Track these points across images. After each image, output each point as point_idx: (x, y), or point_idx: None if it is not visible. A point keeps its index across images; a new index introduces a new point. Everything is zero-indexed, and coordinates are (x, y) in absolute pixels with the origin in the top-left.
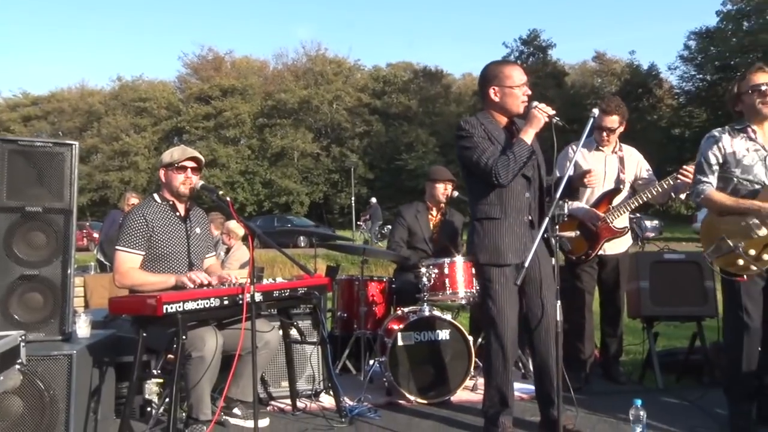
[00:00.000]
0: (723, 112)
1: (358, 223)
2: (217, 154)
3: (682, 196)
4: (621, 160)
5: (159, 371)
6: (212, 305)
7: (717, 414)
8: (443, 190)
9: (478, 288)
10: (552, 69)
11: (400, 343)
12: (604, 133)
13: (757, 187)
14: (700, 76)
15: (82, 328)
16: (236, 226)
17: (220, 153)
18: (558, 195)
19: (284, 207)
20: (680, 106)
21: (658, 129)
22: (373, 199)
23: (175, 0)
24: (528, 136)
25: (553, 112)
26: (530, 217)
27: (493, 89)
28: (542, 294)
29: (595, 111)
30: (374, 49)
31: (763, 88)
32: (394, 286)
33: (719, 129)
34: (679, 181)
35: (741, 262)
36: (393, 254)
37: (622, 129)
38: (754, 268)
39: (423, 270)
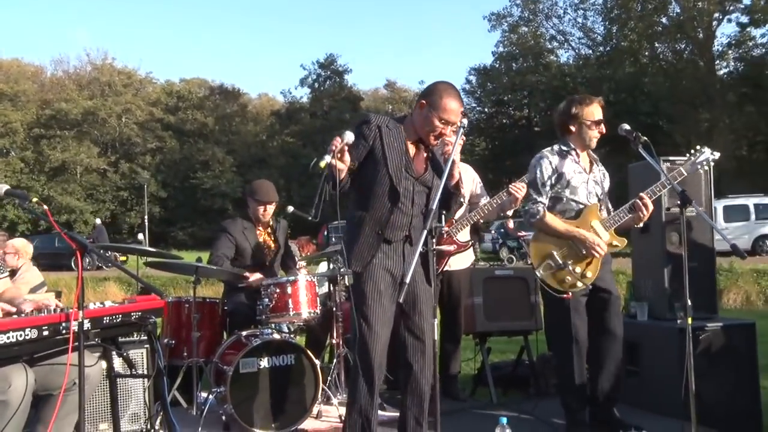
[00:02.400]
0: (499, 142)
1: None
2: None
3: (509, 213)
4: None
5: None
6: (28, 337)
7: (555, 423)
8: (263, 211)
9: (320, 308)
10: (348, 93)
11: (241, 370)
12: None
13: (580, 206)
14: (479, 108)
15: None
16: (24, 244)
17: None
18: (434, 206)
19: (65, 226)
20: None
21: None
22: (98, 220)
23: None
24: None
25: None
26: (407, 233)
27: (422, 103)
28: (419, 311)
29: (465, 121)
30: (167, 63)
31: (601, 125)
32: (226, 308)
33: (548, 149)
34: (505, 197)
35: (569, 278)
36: (232, 270)
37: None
38: (580, 284)
39: (262, 290)
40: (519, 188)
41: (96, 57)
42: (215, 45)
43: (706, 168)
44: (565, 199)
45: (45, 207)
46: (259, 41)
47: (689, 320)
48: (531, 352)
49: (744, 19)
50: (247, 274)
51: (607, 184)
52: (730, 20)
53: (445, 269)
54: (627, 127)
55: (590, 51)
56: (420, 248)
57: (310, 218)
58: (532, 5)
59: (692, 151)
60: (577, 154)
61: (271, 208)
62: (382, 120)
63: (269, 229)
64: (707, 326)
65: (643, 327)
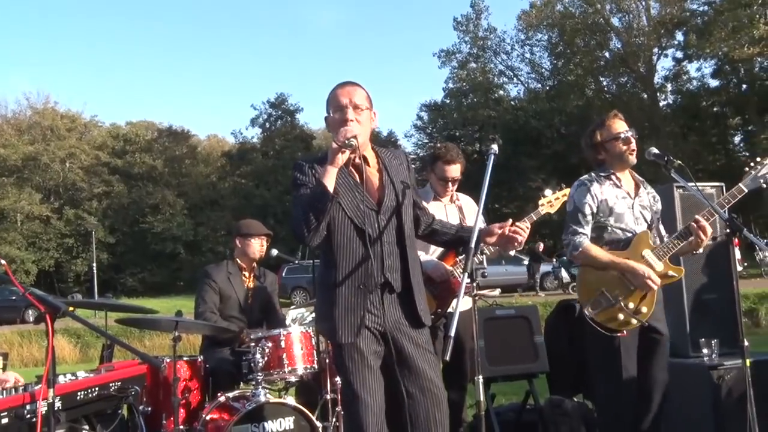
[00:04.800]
0: None
1: None
2: None
3: (511, 253)
4: (460, 209)
5: None
6: None
7: None
8: (259, 246)
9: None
10: (300, 133)
11: None
12: (449, 184)
13: (629, 235)
14: (432, 144)
15: None
16: None
17: None
18: (472, 247)
19: (4, 277)
20: (416, 171)
21: None
22: None
23: None
24: (327, 177)
25: (353, 133)
26: (384, 279)
27: (326, 121)
28: (415, 370)
29: (494, 147)
30: (112, 107)
31: (624, 135)
32: (207, 365)
33: (587, 177)
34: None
35: (621, 316)
36: (220, 326)
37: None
38: (635, 321)
39: (253, 344)
40: (520, 230)
41: (37, 101)
42: (162, 87)
43: None
44: (610, 228)
45: (3, 261)
46: (208, 82)
47: (747, 362)
48: (537, 396)
49: (679, 54)
50: (247, 331)
51: (658, 208)
52: (666, 55)
53: (447, 312)
54: (656, 150)
55: (539, 85)
56: (462, 295)
57: (296, 261)
58: (480, 42)
59: (752, 164)
60: (617, 178)
61: (257, 242)
62: (310, 162)
63: (254, 275)
64: (726, 364)
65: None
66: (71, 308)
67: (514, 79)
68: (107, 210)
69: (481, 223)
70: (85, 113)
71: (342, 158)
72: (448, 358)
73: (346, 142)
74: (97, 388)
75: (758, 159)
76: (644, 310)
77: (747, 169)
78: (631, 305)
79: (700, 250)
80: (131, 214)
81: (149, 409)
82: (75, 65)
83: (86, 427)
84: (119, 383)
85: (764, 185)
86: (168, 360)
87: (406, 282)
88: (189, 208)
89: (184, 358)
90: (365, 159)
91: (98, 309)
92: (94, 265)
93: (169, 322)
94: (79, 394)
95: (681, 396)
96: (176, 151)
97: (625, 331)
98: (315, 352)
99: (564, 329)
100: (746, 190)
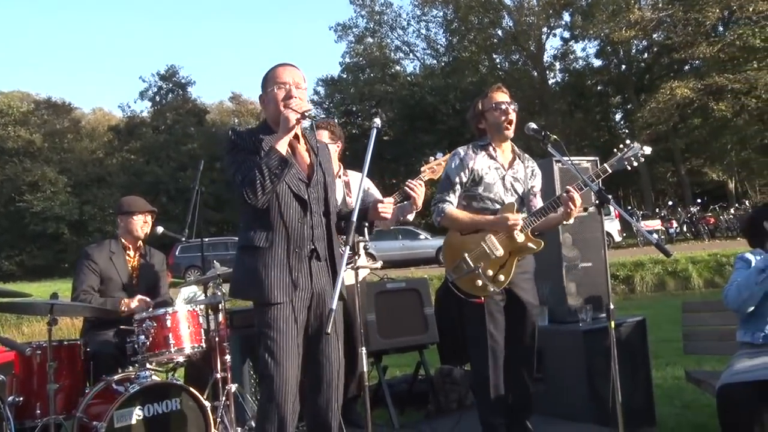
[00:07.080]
0: (350, 152)
1: None
2: None
3: (410, 217)
4: (347, 184)
5: None
6: None
7: None
8: (143, 222)
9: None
10: (192, 107)
11: (116, 425)
12: None
13: (497, 206)
14: (328, 119)
15: None
16: None
17: None
18: (355, 219)
19: None
20: None
21: None
22: None
23: None
24: (281, 144)
25: (309, 107)
26: (313, 246)
27: (262, 98)
28: (325, 339)
29: (377, 121)
30: None
31: (504, 106)
32: (88, 349)
33: (464, 147)
34: (405, 201)
35: (480, 282)
36: (95, 306)
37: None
38: (492, 288)
39: (136, 325)
40: (414, 186)
41: None
42: (37, 55)
43: (635, 164)
44: (479, 197)
45: None
46: (91, 52)
47: (612, 324)
48: (427, 366)
49: (566, 34)
50: (125, 301)
51: (536, 182)
52: (554, 35)
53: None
54: (534, 126)
55: (435, 61)
56: (344, 268)
57: (183, 239)
58: (377, 16)
59: (621, 146)
60: (494, 148)
61: (140, 219)
62: (246, 132)
63: (139, 253)
64: (596, 327)
65: (546, 332)
66: None
67: (411, 54)
68: None
69: (378, 194)
70: None
71: (295, 128)
72: (329, 330)
73: (306, 112)
74: None
75: (627, 142)
76: (501, 278)
77: (616, 150)
78: (490, 272)
79: (570, 221)
80: (6, 192)
81: (20, 399)
82: None
83: None
84: None
85: (629, 167)
86: (44, 345)
87: (330, 252)
88: (73, 186)
89: (64, 343)
90: (296, 136)
91: None
92: None
93: (43, 305)
94: None
95: (559, 359)
96: (57, 124)
97: (482, 298)
98: (203, 331)
99: (453, 300)
100: (610, 171)
